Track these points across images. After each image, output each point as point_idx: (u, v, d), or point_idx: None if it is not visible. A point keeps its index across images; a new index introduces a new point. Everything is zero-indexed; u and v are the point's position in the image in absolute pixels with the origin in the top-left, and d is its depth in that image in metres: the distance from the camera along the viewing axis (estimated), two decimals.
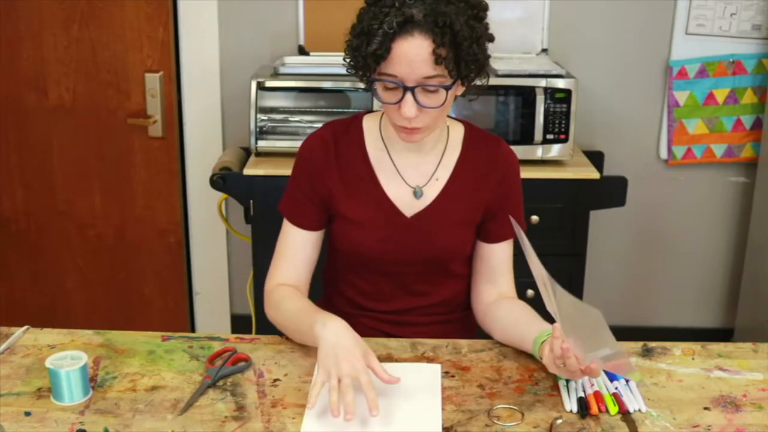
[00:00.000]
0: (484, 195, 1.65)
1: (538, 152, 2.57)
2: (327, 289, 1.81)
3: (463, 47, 1.43)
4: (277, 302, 1.61)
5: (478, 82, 1.54)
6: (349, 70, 1.54)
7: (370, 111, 1.71)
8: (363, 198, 1.63)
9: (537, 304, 1.67)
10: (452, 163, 1.64)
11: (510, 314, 1.61)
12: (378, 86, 1.48)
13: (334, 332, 1.41)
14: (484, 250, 1.69)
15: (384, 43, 1.42)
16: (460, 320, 1.77)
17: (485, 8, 1.50)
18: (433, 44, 1.41)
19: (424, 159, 1.63)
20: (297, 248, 1.66)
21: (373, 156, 1.64)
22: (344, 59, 1.54)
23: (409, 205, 1.63)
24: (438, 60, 1.41)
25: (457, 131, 1.67)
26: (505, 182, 1.66)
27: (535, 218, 2.49)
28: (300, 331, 1.52)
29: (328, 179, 1.63)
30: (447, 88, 1.46)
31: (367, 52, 1.44)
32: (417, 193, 1.63)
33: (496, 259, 1.68)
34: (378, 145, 1.64)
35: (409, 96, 1.44)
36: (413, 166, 1.63)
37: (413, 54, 1.42)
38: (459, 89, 1.53)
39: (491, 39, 1.51)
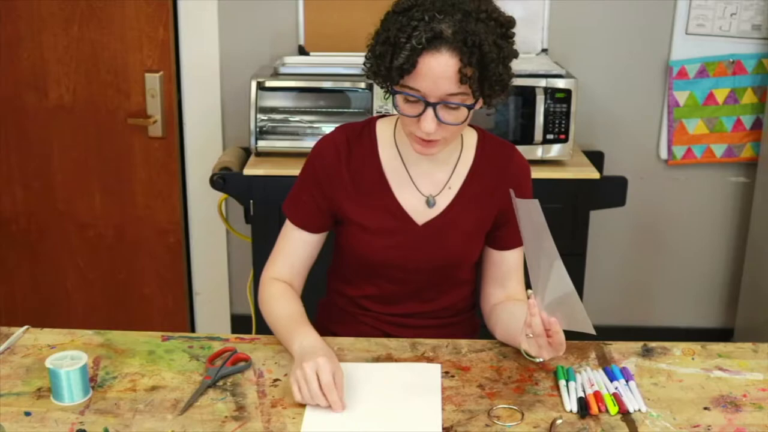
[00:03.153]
0: (495, 203, 1.64)
1: (538, 152, 2.57)
2: (331, 288, 1.81)
3: (490, 68, 1.42)
4: (269, 299, 1.63)
5: (498, 101, 1.53)
6: (368, 76, 1.53)
7: (383, 115, 1.70)
8: (374, 205, 1.62)
9: None
10: (465, 171, 1.64)
11: (512, 314, 1.61)
12: (399, 98, 1.47)
13: (308, 346, 1.45)
14: (495, 257, 1.69)
15: (411, 57, 1.40)
16: (462, 323, 1.77)
17: (513, 25, 1.49)
18: (460, 63, 1.40)
19: (438, 167, 1.62)
20: (296, 248, 1.66)
21: (386, 163, 1.62)
22: (365, 64, 1.53)
23: (421, 214, 1.62)
24: (463, 79, 1.40)
25: (471, 138, 1.66)
26: (517, 191, 1.65)
27: None
28: (282, 338, 1.56)
29: (338, 184, 1.61)
30: (469, 108, 1.45)
31: (392, 65, 1.42)
32: (430, 202, 1.62)
33: (506, 266, 1.68)
34: (392, 152, 1.63)
35: (430, 111, 1.43)
36: (427, 174, 1.62)
37: (439, 71, 1.40)
38: (478, 105, 1.52)
39: (516, 55, 1.50)
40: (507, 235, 1.66)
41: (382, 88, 1.52)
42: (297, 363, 1.41)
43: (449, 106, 1.44)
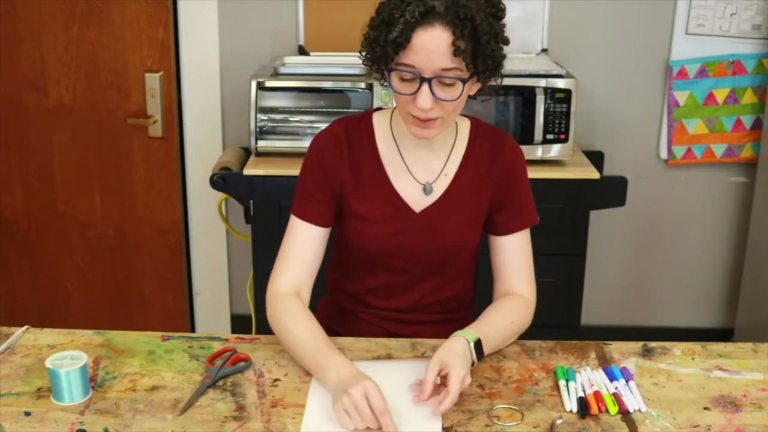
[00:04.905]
0: (489, 188, 1.65)
1: (538, 152, 2.57)
2: (331, 285, 1.81)
3: (482, 41, 1.44)
4: (285, 316, 1.56)
5: (492, 82, 1.54)
6: (365, 62, 1.54)
7: (380, 108, 1.71)
8: (373, 194, 1.63)
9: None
10: (459, 157, 1.65)
11: (488, 312, 1.62)
12: (394, 77, 1.48)
13: (348, 375, 1.39)
14: (494, 244, 1.69)
15: (405, 32, 1.42)
16: (462, 319, 1.77)
17: (503, 9, 1.51)
18: (453, 36, 1.42)
19: (433, 155, 1.63)
20: (306, 245, 1.61)
21: (383, 153, 1.64)
22: (360, 51, 1.54)
23: (418, 201, 1.63)
24: (457, 52, 1.42)
25: (464, 126, 1.67)
26: (509, 175, 1.66)
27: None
28: (307, 362, 1.49)
29: (340, 174, 1.63)
30: (464, 81, 1.46)
31: (387, 40, 1.44)
32: (427, 189, 1.63)
33: (504, 253, 1.68)
34: (388, 142, 1.64)
35: (425, 87, 1.44)
36: (423, 162, 1.63)
37: (433, 45, 1.42)
38: (473, 87, 1.54)
39: (507, 42, 1.52)
40: (502, 221, 1.66)
41: (377, 72, 1.53)
42: (340, 391, 1.35)
43: (444, 81, 1.45)
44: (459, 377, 1.37)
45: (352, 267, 1.71)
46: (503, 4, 1.51)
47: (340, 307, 1.77)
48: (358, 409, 1.31)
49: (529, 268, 1.68)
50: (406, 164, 1.63)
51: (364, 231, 1.64)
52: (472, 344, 1.47)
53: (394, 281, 1.68)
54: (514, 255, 1.67)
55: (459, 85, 1.46)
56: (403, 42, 1.43)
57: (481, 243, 1.71)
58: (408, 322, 1.70)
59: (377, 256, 1.66)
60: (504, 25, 1.51)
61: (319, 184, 1.63)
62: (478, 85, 1.55)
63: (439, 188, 1.64)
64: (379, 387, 1.35)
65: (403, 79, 1.47)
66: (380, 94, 2.50)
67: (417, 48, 1.43)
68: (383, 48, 1.45)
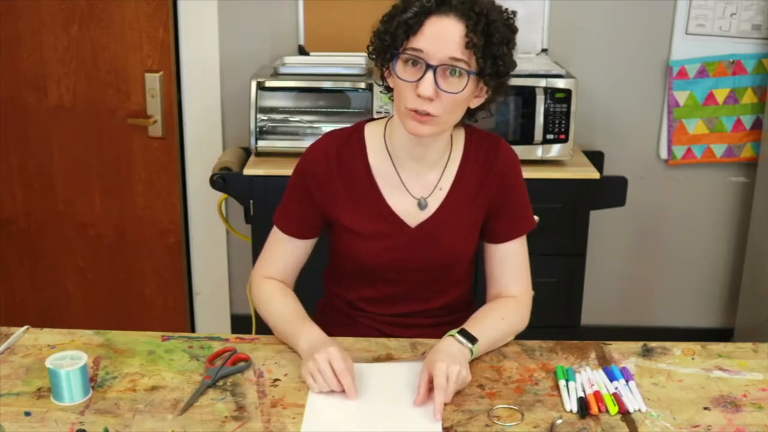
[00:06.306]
0: (485, 197, 1.64)
1: (538, 152, 2.57)
2: (328, 290, 1.81)
3: (494, 39, 1.44)
4: (267, 298, 1.65)
5: (494, 90, 1.54)
6: (371, 54, 1.54)
7: (372, 119, 1.70)
8: (366, 210, 1.62)
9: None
10: (455, 171, 1.64)
11: (478, 312, 1.62)
12: (399, 64, 1.46)
13: (315, 340, 1.49)
14: (490, 250, 1.68)
15: (418, 15, 1.43)
16: (460, 321, 1.76)
17: (516, 25, 1.53)
18: (466, 29, 1.42)
19: (428, 169, 1.62)
20: (287, 253, 1.68)
21: (376, 168, 1.62)
22: (368, 47, 1.54)
23: (413, 216, 1.62)
24: (469, 44, 1.42)
25: (459, 137, 1.65)
26: (505, 182, 1.65)
27: (535, 218, 2.49)
28: (285, 336, 1.58)
29: (329, 191, 1.62)
30: (469, 74, 1.45)
31: (399, 21, 1.44)
32: (422, 204, 1.62)
33: (499, 259, 1.67)
34: (382, 155, 1.62)
35: (429, 75, 1.43)
36: (417, 177, 1.62)
37: (445, 32, 1.43)
38: (475, 101, 1.53)
39: (514, 64, 1.54)
40: (500, 228, 1.66)
41: (381, 65, 1.52)
42: (307, 356, 1.44)
43: (449, 73, 1.44)
44: (441, 371, 1.38)
45: (348, 276, 1.71)
46: (515, 21, 1.52)
47: (336, 310, 1.76)
48: (321, 372, 1.40)
49: (525, 272, 1.68)
50: (400, 178, 1.62)
51: (357, 246, 1.63)
52: (456, 334, 1.49)
53: (390, 291, 1.68)
54: (509, 260, 1.67)
55: (464, 78, 1.45)
56: (414, 25, 1.43)
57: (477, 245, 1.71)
58: (406, 326, 1.70)
59: (373, 270, 1.65)
60: (515, 43, 1.52)
61: (303, 202, 1.64)
62: (481, 99, 1.54)
63: (434, 203, 1.63)
64: (345, 353, 1.44)
65: (407, 66, 1.46)
66: (380, 94, 2.49)
67: (428, 33, 1.43)
68: (394, 32, 1.45)
